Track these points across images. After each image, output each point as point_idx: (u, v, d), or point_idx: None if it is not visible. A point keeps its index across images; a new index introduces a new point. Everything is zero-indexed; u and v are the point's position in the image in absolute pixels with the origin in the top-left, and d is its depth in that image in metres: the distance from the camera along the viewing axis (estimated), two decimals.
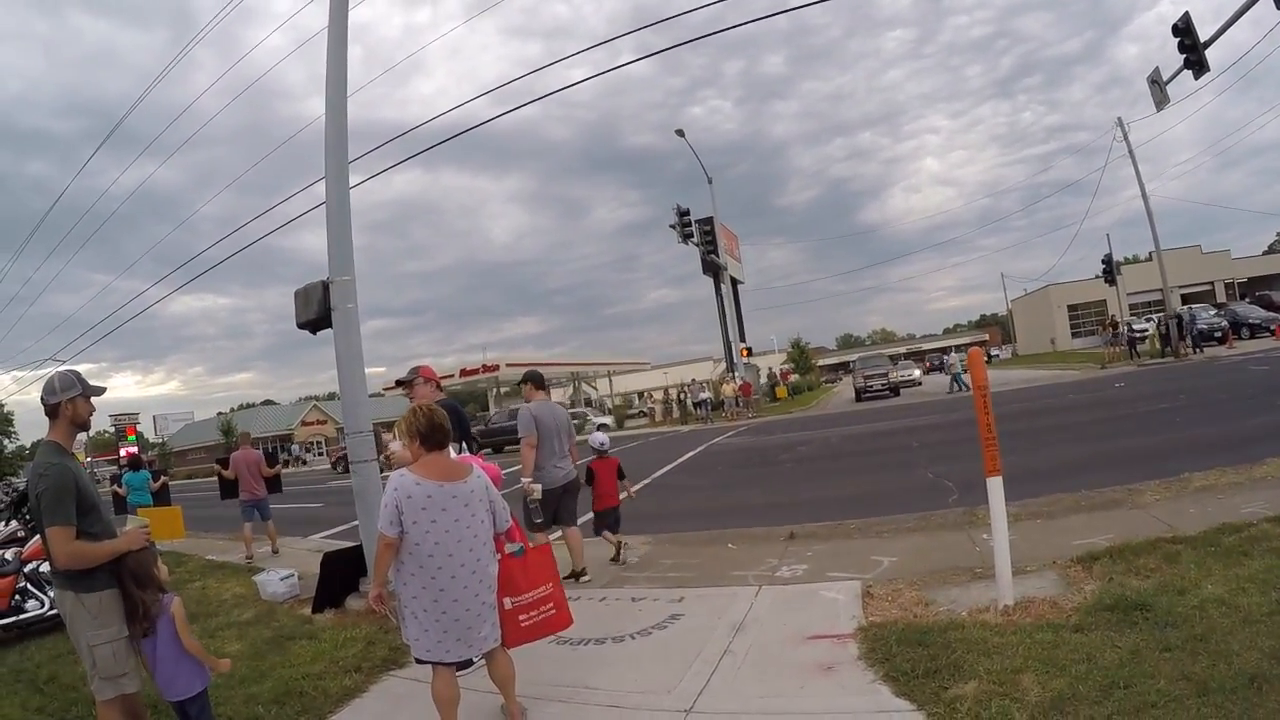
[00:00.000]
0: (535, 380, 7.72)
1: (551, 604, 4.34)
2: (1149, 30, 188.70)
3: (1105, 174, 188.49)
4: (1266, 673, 3.53)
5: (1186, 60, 16.41)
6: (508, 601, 4.15)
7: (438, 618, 3.75)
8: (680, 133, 38.72)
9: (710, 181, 42.07)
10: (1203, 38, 16.08)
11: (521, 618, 4.22)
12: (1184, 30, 16.16)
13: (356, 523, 7.87)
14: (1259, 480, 7.71)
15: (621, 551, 8.23)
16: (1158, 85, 19.24)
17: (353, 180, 8.40)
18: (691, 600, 6.28)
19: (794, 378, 57.47)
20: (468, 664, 4.15)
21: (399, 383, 6.61)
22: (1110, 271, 37.66)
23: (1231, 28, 15.78)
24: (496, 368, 49.74)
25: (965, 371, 35.22)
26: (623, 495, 8.46)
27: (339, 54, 8.19)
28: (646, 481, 15.43)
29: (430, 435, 3.89)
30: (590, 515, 8.39)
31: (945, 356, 39.47)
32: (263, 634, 6.88)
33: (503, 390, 57.38)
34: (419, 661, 3.94)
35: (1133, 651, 4.00)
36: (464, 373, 50.72)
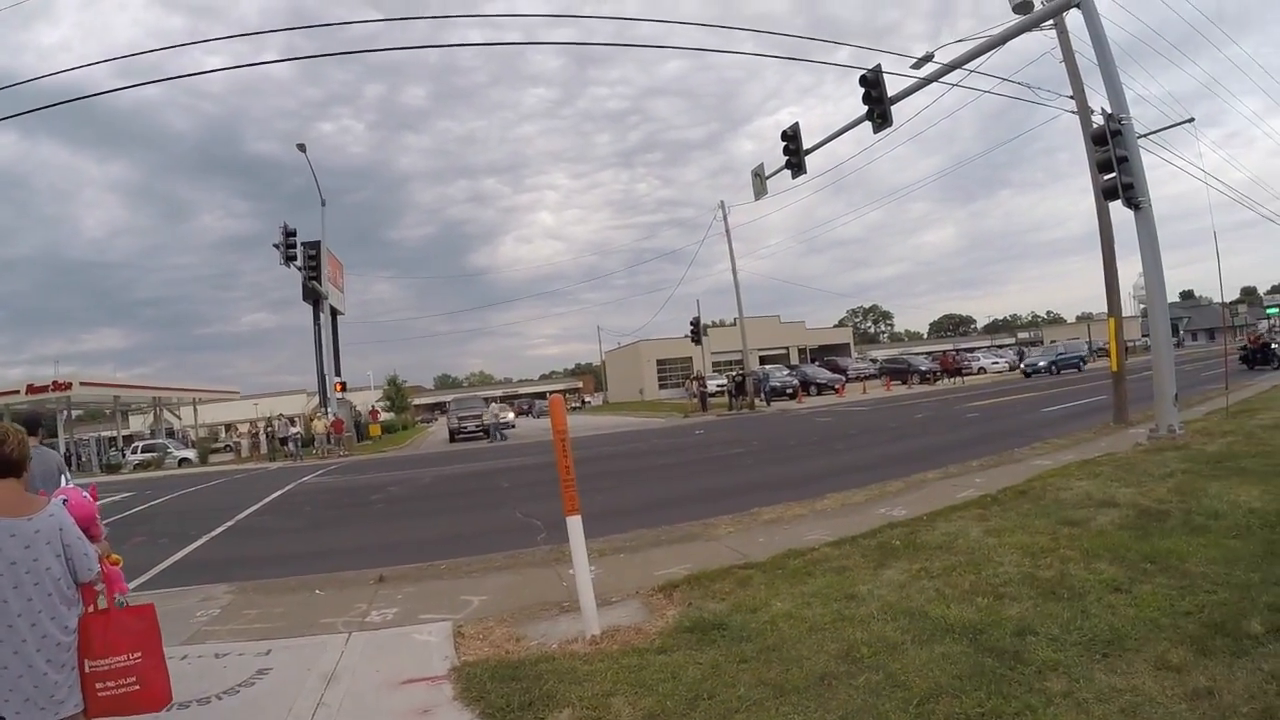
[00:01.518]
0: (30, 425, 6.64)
1: (134, 677, 3.65)
2: (765, 132, 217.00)
3: (703, 247, 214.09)
4: (834, 671, 4.01)
5: (789, 162, 19.24)
6: (87, 664, 3.52)
7: None
8: (302, 147, 36.73)
9: (324, 204, 40.27)
10: (807, 145, 19.02)
11: (98, 685, 3.56)
12: (791, 137, 19.04)
13: None
14: (820, 512, 8.96)
15: None
16: (760, 178, 22.26)
17: None
18: (279, 652, 5.80)
19: (384, 416, 56.33)
20: None
21: None
22: (697, 332, 43.09)
23: (833, 141, 18.87)
24: (69, 386, 42.85)
25: (498, 418, 37.41)
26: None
27: None
28: (229, 524, 13.96)
29: None
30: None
31: (489, 405, 41.32)
32: None
33: (74, 414, 49.45)
34: None
35: (713, 666, 4.32)
36: (31, 389, 42.95)
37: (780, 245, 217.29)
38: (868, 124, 16.17)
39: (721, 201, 41.56)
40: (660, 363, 74.10)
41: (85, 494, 4.23)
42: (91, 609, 3.63)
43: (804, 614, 5.01)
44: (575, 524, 5.47)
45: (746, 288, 39.29)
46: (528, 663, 4.83)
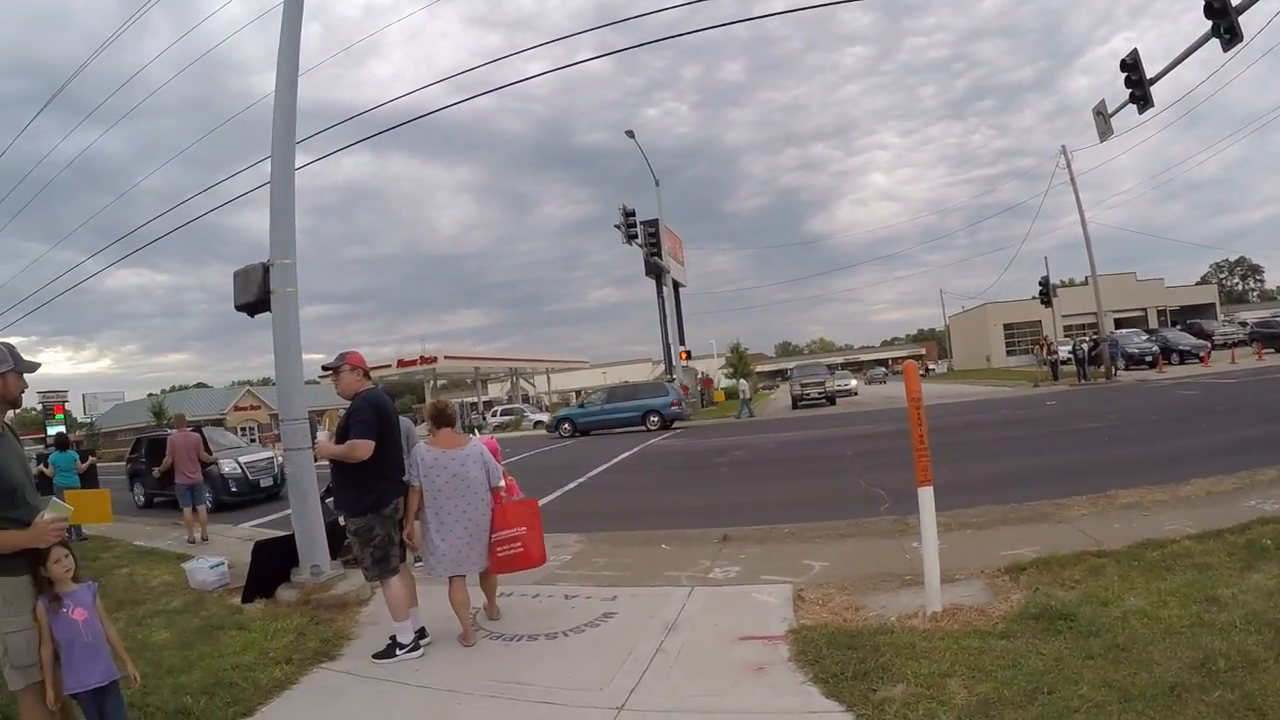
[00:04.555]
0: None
1: (520, 543, 5.62)
2: (1100, 64, 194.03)
3: (1047, 199, 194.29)
4: (1186, 682, 3.66)
5: (1132, 95, 16.85)
6: (493, 535, 5.56)
7: (442, 544, 5.40)
8: (630, 134, 38.61)
9: (658, 184, 42.03)
10: (1150, 74, 16.56)
11: (499, 550, 5.58)
12: (1131, 66, 16.62)
13: (289, 511, 7.62)
14: (1183, 499, 7.99)
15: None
16: (1102, 117, 19.74)
17: (300, 161, 8.24)
18: (624, 599, 6.29)
19: (723, 382, 57.80)
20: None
21: (325, 369, 6.46)
22: (1046, 293, 39.22)
23: (1179, 67, 16.20)
24: (434, 360, 49.39)
25: (751, 398, 36.56)
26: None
27: (293, 29, 7.94)
28: (581, 480, 15.45)
29: (438, 418, 5.72)
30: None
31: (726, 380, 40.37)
32: (191, 623, 6.62)
33: (439, 383, 56.75)
34: (441, 575, 5.49)
35: (1057, 659, 4.12)
36: (401, 364, 50.40)
37: (1131, 192, 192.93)
38: (1214, 42, 13.66)
39: (1063, 146, 37.13)
40: (1007, 327, 68.83)
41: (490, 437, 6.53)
42: (499, 503, 5.67)
43: (1159, 613, 4.58)
44: (926, 495, 5.30)
45: (1096, 242, 35.40)
46: (865, 633, 4.85)
